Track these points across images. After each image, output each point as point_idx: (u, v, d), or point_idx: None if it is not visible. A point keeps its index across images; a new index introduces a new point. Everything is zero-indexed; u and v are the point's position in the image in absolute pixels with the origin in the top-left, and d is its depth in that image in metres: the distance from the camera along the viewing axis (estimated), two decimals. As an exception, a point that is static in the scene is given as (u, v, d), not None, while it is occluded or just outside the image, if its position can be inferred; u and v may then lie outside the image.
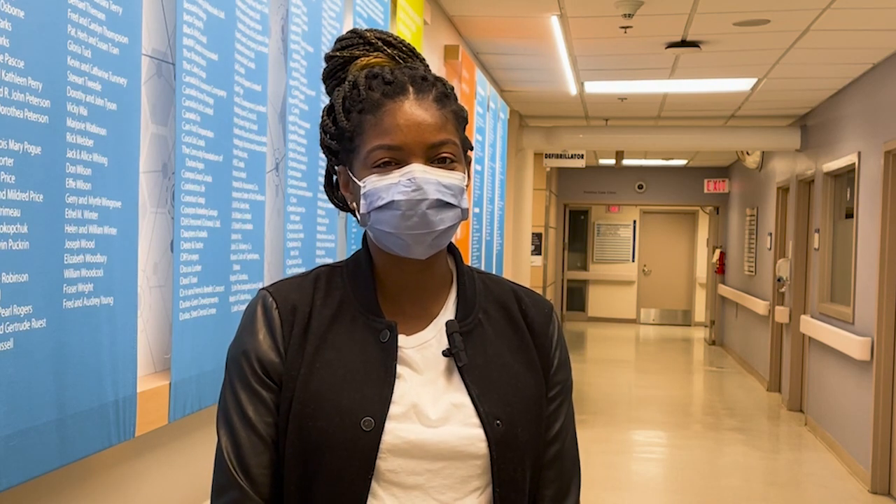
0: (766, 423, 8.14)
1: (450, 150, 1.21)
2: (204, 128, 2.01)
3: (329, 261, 2.82)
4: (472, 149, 1.30)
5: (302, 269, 2.59)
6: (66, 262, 1.53)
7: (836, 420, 6.84)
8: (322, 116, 1.29)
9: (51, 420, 1.50)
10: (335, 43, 1.31)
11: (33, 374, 1.45)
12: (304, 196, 2.63)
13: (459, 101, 1.29)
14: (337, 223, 2.92)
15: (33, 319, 1.45)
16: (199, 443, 2.17)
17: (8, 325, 1.39)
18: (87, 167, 1.59)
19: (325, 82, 1.32)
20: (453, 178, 1.21)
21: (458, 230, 4.75)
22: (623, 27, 5.22)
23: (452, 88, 1.28)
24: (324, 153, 1.31)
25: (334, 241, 2.89)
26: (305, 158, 2.64)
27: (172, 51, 1.97)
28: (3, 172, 1.37)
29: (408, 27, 3.76)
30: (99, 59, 1.63)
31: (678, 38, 5.59)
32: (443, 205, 1.19)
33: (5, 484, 1.39)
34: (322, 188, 2.72)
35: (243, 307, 2.20)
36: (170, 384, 1.90)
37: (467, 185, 1.25)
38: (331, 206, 2.83)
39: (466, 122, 1.29)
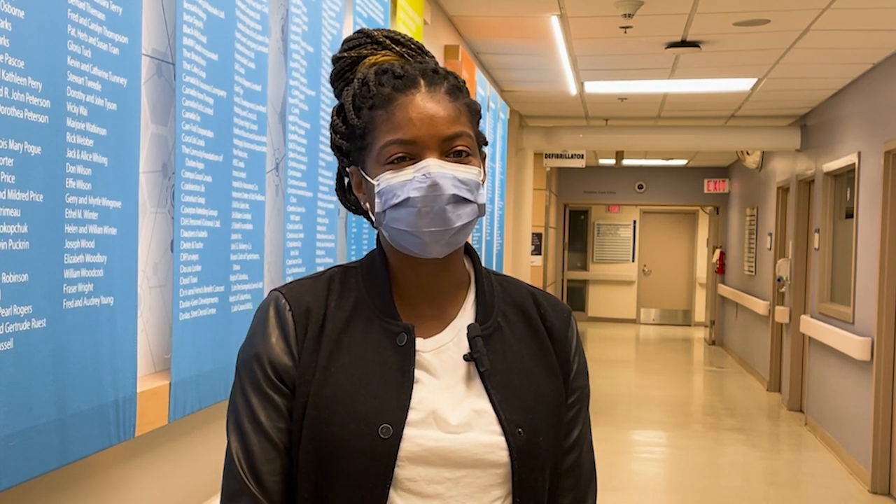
0: (766, 423, 8.14)
1: (465, 143, 1.18)
2: (204, 128, 2.01)
3: (329, 261, 2.82)
4: (487, 143, 1.26)
5: (302, 269, 2.59)
6: (66, 262, 1.53)
7: (836, 420, 6.84)
8: (332, 117, 1.26)
9: (51, 420, 1.50)
10: (342, 44, 1.29)
11: (33, 374, 1.45)
12: (304, 196, 2.63)
13: (470, 96, 1.25)
14: (337, 223, 2.92)
15: (33, 319, 1.45)
16: (199, 443, 2.17)
17: (8, 325, 1.38)
18: (87, 167, 1.59)
19: (333, 85, 1.29)
20: (469, 172, 1.17)
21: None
22: (623, 27, 5.22)
23: (464, 82, 1.24)
24: (334, 154, 1.27)
25: (334, 241, 2.89)
26: (305, 158, 2.64)
27: (172, 51, 1.97)
28: (3, 172, 1.37)
29: (408, 27, 3.77)
30: (99, 59, 1.63)
31: (678, 38, 5.59)
32: (460, 200, 1.15)
33: (5, 484, 1.39)
34: (322, 188, 2.73)
35: (243, 307, 2.21)
36: (170, 384, 1.90)
37: (483, 181, 1.21)
38: (331, 205, 2.84)
39: (480, 116, 1.25)
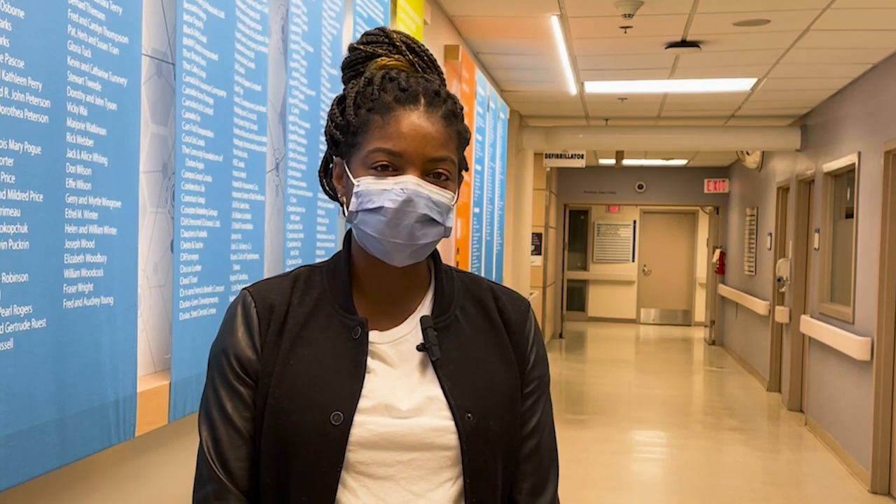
0: (766, 423, 8.14)
1: (446, 168, 1.25)
2: (204, 128, 2.01)
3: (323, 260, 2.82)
4: (467, 169, 1.34)
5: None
6: (66, 262, 1.53)
7: (836, 420, 6.84)
8: (332, 105, 1.31)
9: (51, 420, 1.50)
10: (361, 36, 1.34)
11: (33, 374, 1.45)
12: (304, 196, 2.63)
13: (466, 123, 1.32)
14: (337, 223, 2.92)
15: (33, 319, 1.45)
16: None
17: (8, 325, 1.39)
18: (87, 167, 1.59)
19: (343, 71, 1.35)
20: (444, 195, 1.24)
21: (458, 230, 4.75)
22: (623, 27, 5.22)
23: (462, 108, 1.31)
24: (326, 141, 1.33)
25: (334, 241, 2.89)
26: (305, 158, 2.64)
27: (172, 51, 1.97)
28: (3, 172, 1.37)
29: (408, 27, 3.76)
30: (99, 59, 1.63)
31: (678, 38, 5.59)
32: (429, 220, 1.22)
33: (5, 484, 1.39)
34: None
35: (243, 307, 2.21)
36: (170, 384, 1.90)
37: (455, 204, 1.28)
38: (331, 206, 2.84)
39: (468, 144, 1.32)
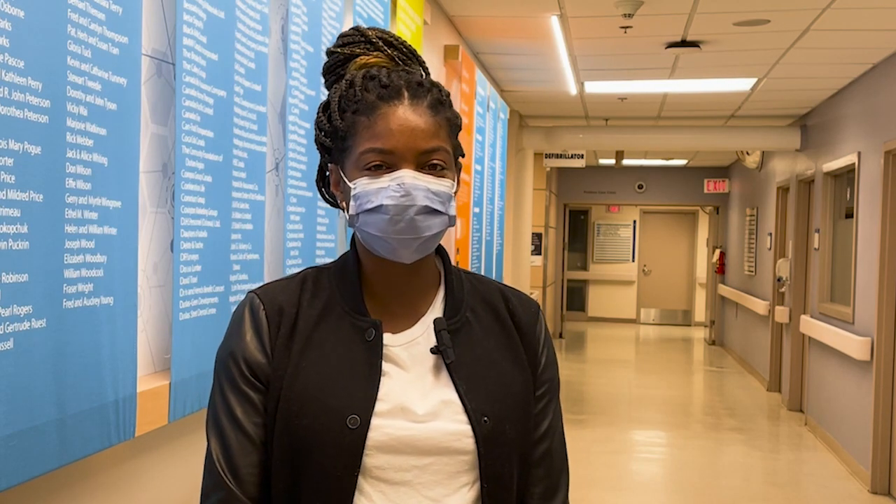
0: (766, 423, 8.14)
1: (441, 157, 1.23)
2: (204, 128, 2.01)
3: (329, 261, 2.82)
4: (463, 156, 1.32)
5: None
6: (66, 262, 1.53)
7: (836, 420, 6.84)
8: (318, 113, 1.30)
9: (51, 420, 1.50)
10: (337, 38, 1.33)
11: (33, 374, 1.45)
12: (304, 196, 2.63)
13: (454, 108, 1.30)
14: (337, 223, 2.92)
15: (33, 319, 1.45)
16: (198, 443, 2.17)
17: (8, 325, 1.39)
18: (87, 167, 1.59)
19: (324, 77, 1.34)
20: (442, 185, 1.22)
21: (458, 230, 4.75)
22: (623, 27, 5.22)
23: (448, 94, 1.29)
24: (317, 149, 1.32)
25: (334, 241, 2.89)
26: (305, 158, 2.64)
27: (172, 51, 1.97)
28: (3, 172, 1.37)
29: (408, 27, 3.76)
30: (99, 59, 1.63)
31: (678, 38, 5.59)
32: (430, 211, 1.21)
33: (5, 484, 1.39)
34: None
35: (243, 307, 2.20)
36: (170, 384, 1.90)
37: (457, 192, 1.26)
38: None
39: (460, 129, 1.30)
